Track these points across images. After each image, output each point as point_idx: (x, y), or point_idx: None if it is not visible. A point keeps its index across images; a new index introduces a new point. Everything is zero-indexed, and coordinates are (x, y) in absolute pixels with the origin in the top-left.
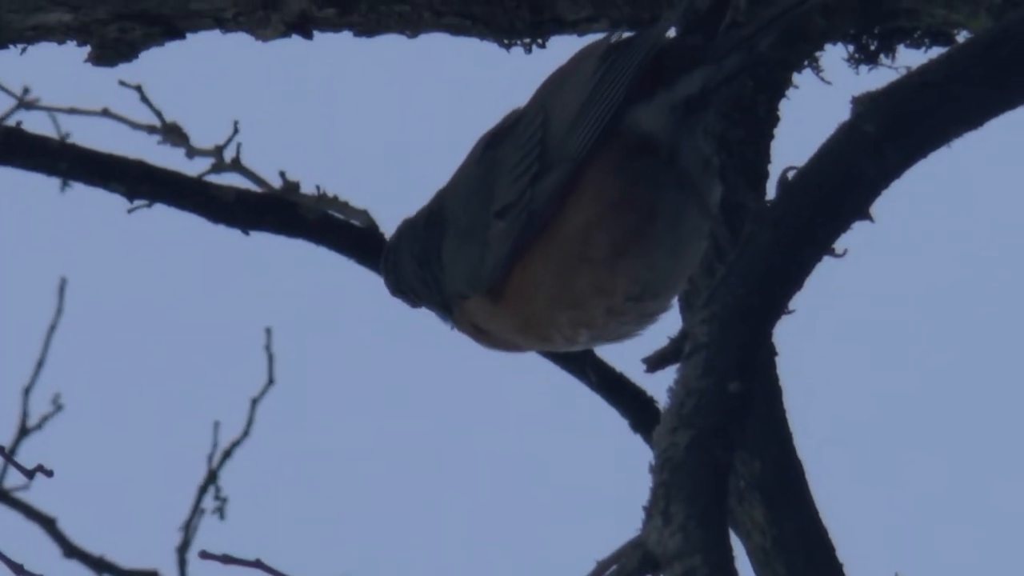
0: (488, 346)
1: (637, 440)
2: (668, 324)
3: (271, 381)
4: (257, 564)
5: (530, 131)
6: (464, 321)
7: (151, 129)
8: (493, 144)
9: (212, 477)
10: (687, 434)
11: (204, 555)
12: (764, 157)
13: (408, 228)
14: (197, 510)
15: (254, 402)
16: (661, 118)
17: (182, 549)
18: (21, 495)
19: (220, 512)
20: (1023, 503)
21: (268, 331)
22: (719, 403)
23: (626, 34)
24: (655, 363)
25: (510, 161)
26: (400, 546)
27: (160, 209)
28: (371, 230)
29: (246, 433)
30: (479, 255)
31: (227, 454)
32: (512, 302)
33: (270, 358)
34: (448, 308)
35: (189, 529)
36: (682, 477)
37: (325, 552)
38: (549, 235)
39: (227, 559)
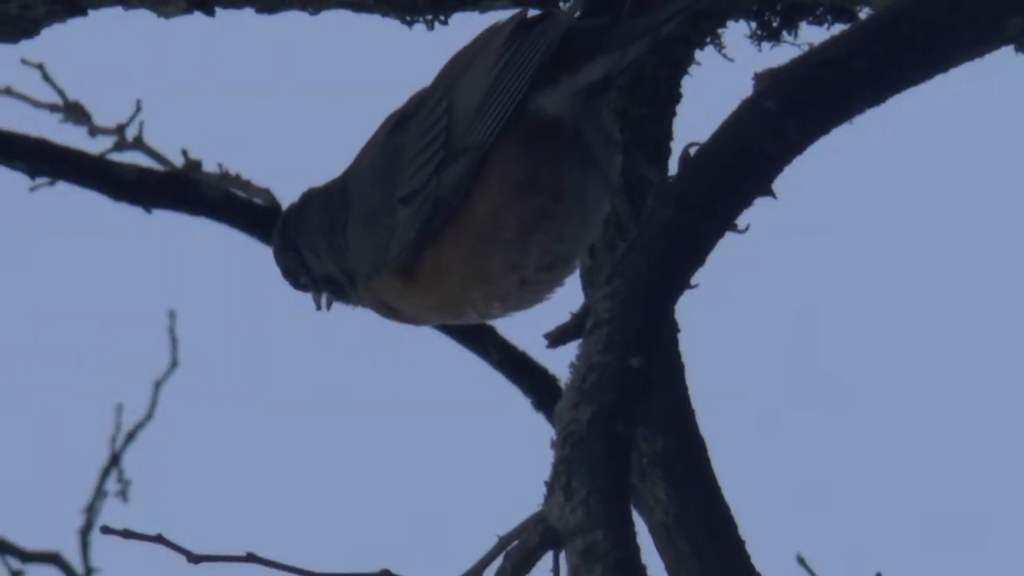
0: (396, 320)
1: (540, 419)
2: (570, 300)
3: (174, 363)
4: (158, 539)
5: (435, 116)
6: (371, 297)
7: (53, 107)
8: (398, 128)
9: (115, 459)
10: (589, 409)
11: (105, 530)
12: (666, 134)
13: (318, 194)
14: (100, 492)
15: (157, 384)
16: (566, 102)
17: (85, 531)
18: None
19: (123, 494)
20: (924, 476)
21: (171, 313)
22: (621, 379)
23: (531, 12)
24: (556, 339)
25: (415, 147)
26: (301, 524)
27: (62, 187)
28: (273, 208)
29: (149, 415)
30: (384, 239)
31: (130, 436)
32: (424, 282)
33: (173, 340)
34: (351, 279)
35: (92, 511)
36: (584, 452)
37: (227, 532)
38: (459, 220)
39: (128, 534)
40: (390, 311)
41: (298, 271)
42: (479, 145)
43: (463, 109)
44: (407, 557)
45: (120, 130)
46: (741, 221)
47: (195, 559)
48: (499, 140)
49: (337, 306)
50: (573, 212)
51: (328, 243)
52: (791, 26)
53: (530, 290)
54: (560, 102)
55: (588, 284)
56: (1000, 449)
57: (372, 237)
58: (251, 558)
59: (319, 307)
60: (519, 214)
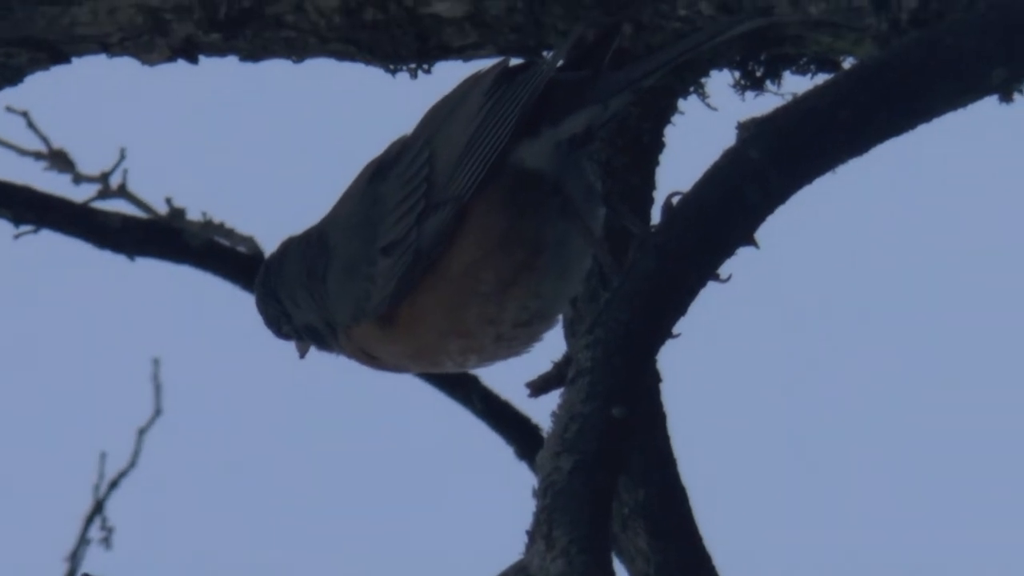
0: (376, 369)
1: (522, 468)
2: (552, 349)
3: (158, 411)
4: None
5: (416, 166)
6: (351, 346)
7: (38, 155)
8: (378, 176)
9: (98, 507)
10: (570, 459)
11: None
12: (649, 183)
13: (297, 243)
14: (83, 540)
15: (141, 432)
16: (546, 154)
17: None
18: None
19: (106, 542)
20: (902, 539)
21: (155, 361)
22: (602, 428)
23: (513, 61)
24: (539, 388)
25: (396, 197)
26: (282, 572)
27: (46, 235)
28: (257, 257)
29: (133, 463)
30: (365, 289)
31: (114, 484)
32: (402, 331)
33: (157, 388)
34: (331, 328)
35: (75, 559)
36: (565, 502)
37: None
38: (438, 272)
39: None
40: (370, 359)
41: (280, 320)
42: (460, 196)
43: (444, 159)
44: None
45: (104, 178)
46: (723, 270)
47: None
48: (480, 192)
49: (320, 355)
50: (553, 267)
51: (307, 292)
52: (775, 76)
53: (506, 345)
54: (541, 154)
55: (570, 334)
56: (981, 506)
57: (352, 286)
58: None
59: (302, 356)
60: (498, 268)
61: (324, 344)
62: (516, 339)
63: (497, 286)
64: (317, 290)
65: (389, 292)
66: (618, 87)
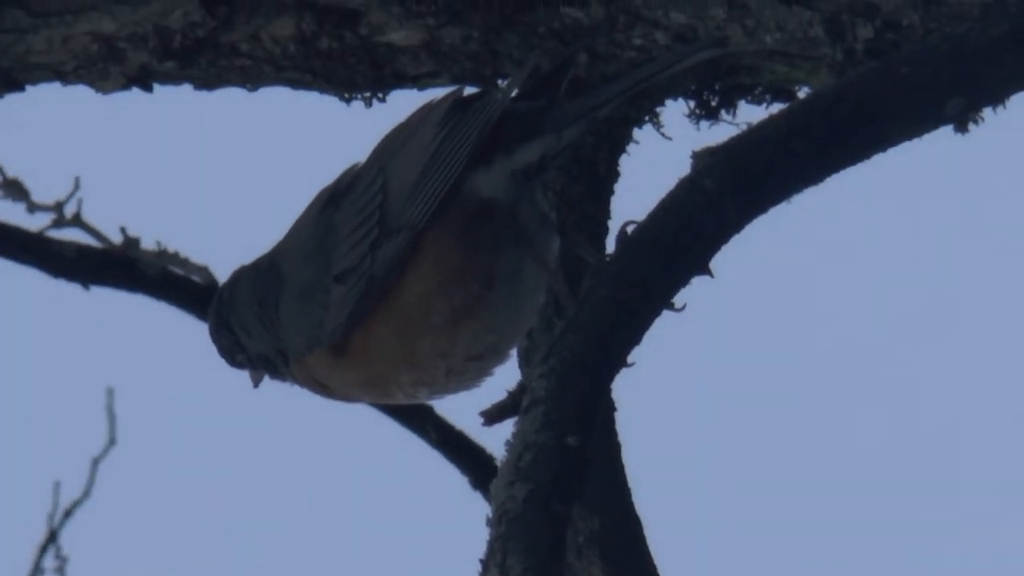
0: (329, 398)
1: (477, 497)
2: (506, 378)
3: (112, 441)
4: None
5: (369, 194)
6: (304, 375)
7: None
8: (331, 204)
9: (52, 537)
10: (524, 487)
11: None
12: (604, 212)
13: (248, 272)
14: (37, 569)
15: (95, 462)
16: (501, 184)
17: None
18: None
19: (60, 572)
20: (866, 560)
21: (109, 391)
22: (557, 457)
23: (468, 90)
24: (493, 416)
25: (349, 224)
26: None
27: (0, 263)
28: (211, 286)
29: (87, 493)
30: (317, 317)
31: (67, 514)
32: (354, 360)
33: (111, 418)
34: (284, 357)
35: None
36: (519, 530)
37: None
38: (391, 301)
39: None
40: (322, 388)
41: (233, 349)
42: (414, 224)
43: (398, 187)
44: None
45: (59, 207)
46: (678, 299)
47: None
48: (434, 220)
49: (274, 384)
50: (506, 300)
51: (259, 321)
52: (730, 105)
53: (456, 378)
54: (495, 183)
55: (525, 363)
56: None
57: (305, 314)
58: None
59: (256, 385)
60: (451, 299)
61: (277, 373)
62: (467, 373)
63: (450, 317)
64: (269, 319)
65: (342, 320)
66: (572, 117)
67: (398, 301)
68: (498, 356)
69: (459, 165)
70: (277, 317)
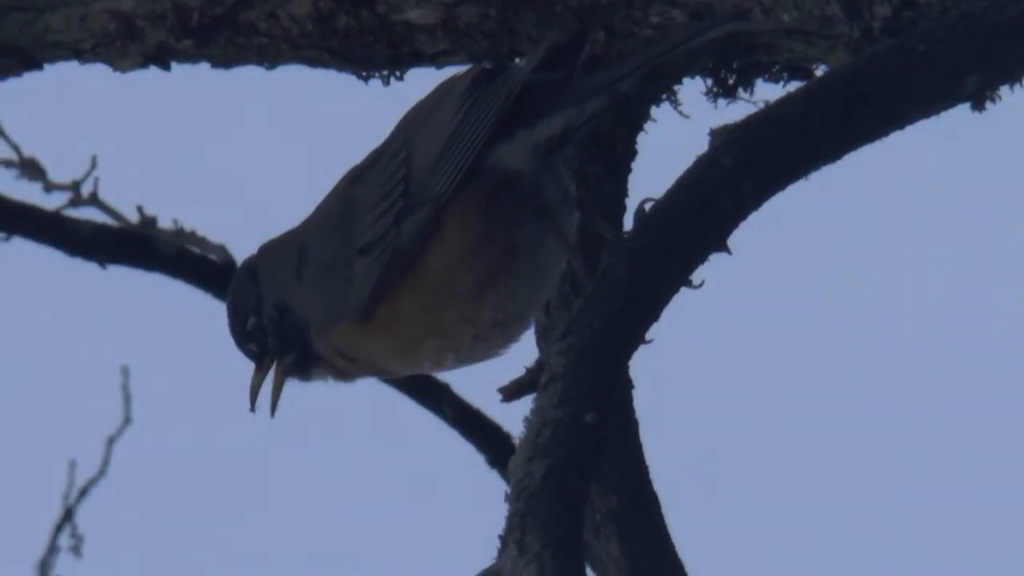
0: (350, 376)
1: (494, 476)
2: (524, 355)
3: (127, 420)
4: None
5: (393, 167)
6: (329, 350)
7: (8, 163)
8: (355, 181)
9: (68, 515)
10: (543, 464)
11: None
12: (622, 190)
13: (274, 248)
14: (53, 548)
15: (110, 441)
16: (523, 156)
17: None
18: None
19: (76, 550)
20: (880, 545)
21: (125, 370)
22: (575, 434)
23: (488, 65)
24: (511, 393)
25: (373, 198)
26: None
27: (17, 242)
28: (228, 265)
29: (102, 472)
30: (342, 291)
31: (83, 492)
32: (380, 330)
33: (126, 397)
34: (307, 333)
35: (45, 567)
36: (537, 506)
37: None
38: (415, 272)
39: None
40: (347, 362)
41: (251, 333)
42: (438, 197)
43: (422, 160)
44: None
45: (75, 186)
46: (696, 276)
47: None
48: (458, 192)
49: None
50: (528, 270)
51: (284, 297)
52: (747, 83)
53: (483, 345)
54: (518, 155)
55: (543, 340)
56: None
57: (330, 288)
58: None
59: (252, 408)
60: (475, 269)
61: (301, 363)
62: (493, 339)
63: (475, 286)
64: (295, 294)
65: (367, 292)
66: (594, 89)
67: (423, 272)
68: (522, 323)
69: (482, 137)
70: (302, 291)
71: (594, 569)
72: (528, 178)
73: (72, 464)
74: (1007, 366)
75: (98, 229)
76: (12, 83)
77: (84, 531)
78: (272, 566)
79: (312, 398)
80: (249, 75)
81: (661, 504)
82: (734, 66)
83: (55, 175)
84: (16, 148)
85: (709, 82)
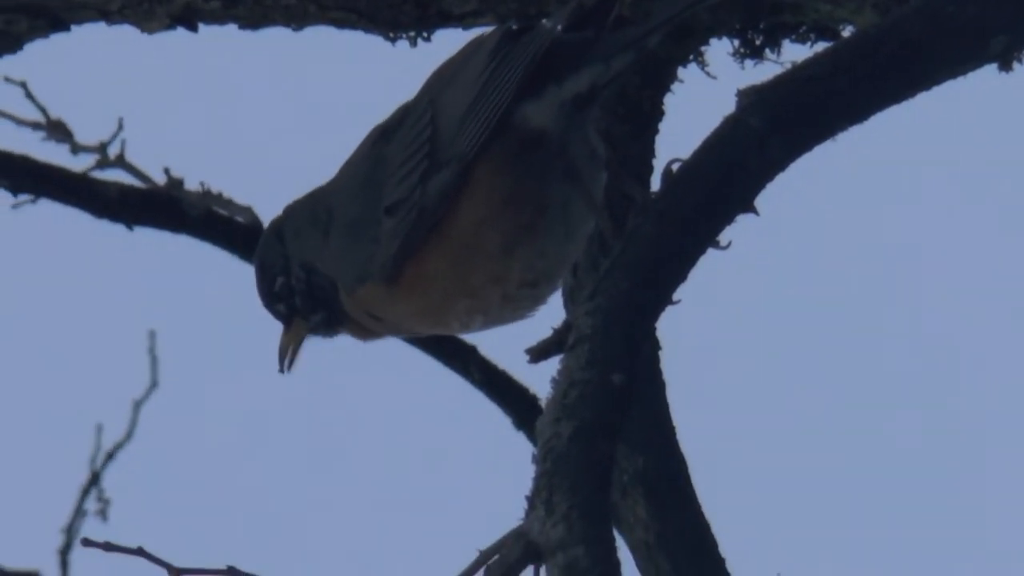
0: (376, 335)
1: (520, 437)
2: (551, 316)
3: (154, 383)
4: (139, 552)
5: (419, 126)
6: (355, 309)
7: (36, 125)
8: (381, 140)
9: (94, 479)
10: (570, 425)
11: (87, 543)
12: (649, 151)
13: (300, 207)
14: (80, 511)
15: (137, 404)
16: (551, 114)
17: (64, 550)
18: None
19: (103, 514)
20: (903, 499)
21: (151, 333)
22: (602, 394)
23: (515, 26)
24: (538, 354)
25: (399, 157)
26: (281, 539)
27: (44, 204)
28: (255, 226)
29: (129, 435)
30: (369, 251)
31: (110, 456)
32: (408, 290)
33: (153, 360)
34: (335, 292)
35: (71, 530)
36: (565, 467)
37: (207, 549)
38: (443, 231)
39: (109, 546)
40: (374, 322)
41: (278, 293)
42: (464, 155)
43: (448, 119)
44: (389, 571)
45: (102, 148)
46: (723, 237)
47: (176, 572)
48: (484, 151)
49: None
50: (556, 227)
51: (311, 256)
52: (774, 44)
53: (512, 306)
54: (545, 113)
55: (570, 301)
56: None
57: (356, 248)
58: (232, 572)
59: (282, 369)
60: (503, 227)
61: (328, 318)
62: (522, 300)
63: (503, 245)
64: (321, 253)
65: (393, 252)
66: (620, 46)
67: (451, 231)
68: (551, 283)
69: (508, 95)
70: (329, 251)
71: (621, 530)
72: (555, 136)
73: (99, 428)
74: None
75: (125, 191)
76: (39, 44)
77: (111, 495)
78: (299, 528)
79: (338, 360)
80: (276, 36)
81: (688, 465)
82: (761, 27)
83: (82, 137)
84: (43, 110)
85: (736, 43)
